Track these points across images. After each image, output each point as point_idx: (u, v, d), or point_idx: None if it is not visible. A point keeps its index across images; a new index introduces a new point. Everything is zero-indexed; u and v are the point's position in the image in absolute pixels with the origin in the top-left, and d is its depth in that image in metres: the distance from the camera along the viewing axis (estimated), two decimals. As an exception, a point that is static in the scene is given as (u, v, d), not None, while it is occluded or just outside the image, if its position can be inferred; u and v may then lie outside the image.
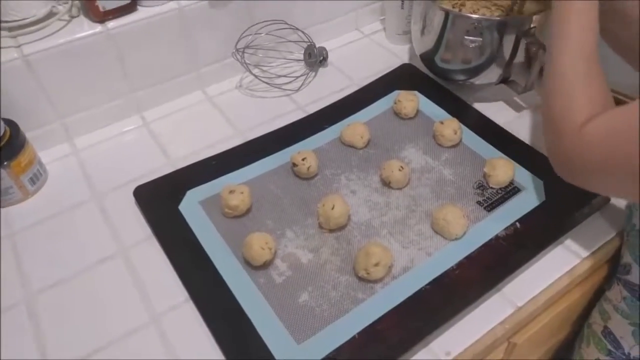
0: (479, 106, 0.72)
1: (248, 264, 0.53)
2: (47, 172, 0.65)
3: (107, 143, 0.70)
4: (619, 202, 0.58)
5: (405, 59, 0.83)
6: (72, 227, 0.59)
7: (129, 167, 0.66)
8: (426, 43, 0.71)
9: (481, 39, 0.63)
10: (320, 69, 0.81)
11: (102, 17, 0.63)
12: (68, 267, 0.55)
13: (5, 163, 0.58)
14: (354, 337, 0.47)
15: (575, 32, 0.45)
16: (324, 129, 0.69)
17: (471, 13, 0.67)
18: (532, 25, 0.64)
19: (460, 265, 0.52)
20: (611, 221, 0.57)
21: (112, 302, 0.52)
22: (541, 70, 0.69)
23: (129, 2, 0.64)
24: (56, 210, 0.61)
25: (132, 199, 0.61)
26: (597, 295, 0.63)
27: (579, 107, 0.44)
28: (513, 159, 0.61)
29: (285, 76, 0.77)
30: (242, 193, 0.57)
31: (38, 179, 0.62)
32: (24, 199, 0.61)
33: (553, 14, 0.47)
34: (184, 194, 0.60)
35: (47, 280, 0.54)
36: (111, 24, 0.64)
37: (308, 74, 0.79)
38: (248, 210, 0.58)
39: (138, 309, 0.51)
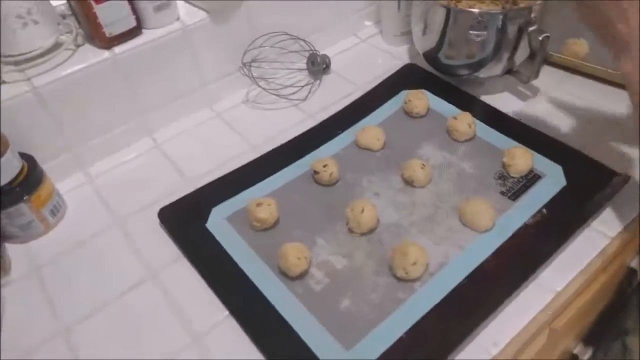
0: (485, 98, 0.73)
1: (284, 274, 0.53)
2: (66, 202, 0.64)
3: (121, 168, 0.69)
4: (636, 180, 0.59)
5: (405, 60, 0.84)
6: (98, 255, 0.59)
7: (146, 190, 0.65)
8: (429, 41, 0.72)
9: (486, 32, 0.64)
10: (324, 77, 0.82)
11: (108, 42, 0.63)
12: (100, 296, 0.54)
13: (25, 197, 0.57)
14: (401, 338, 0.47)
15: None
16: (337, 135, 0.69)
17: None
18: (533, 15, 0.65)
19: (494, 256, 0.53)
20: (634, 200, 0.58)
21: (150, 326, 0.51)
22: (545, 59, 0.70)
23: (134, 25, 0.64)
24: (79, 240, 0.60)
25: (154, 222, 0.60)
26: (629, 272, 0.64)
27: None
28: (528, 147, 0.62)
29: (291, 86, 0.77)
30: (269, 205, 0.57)
31: (58, 210, 0.62)
32: (46, 232, 0.60)
33: None
34: (209, 212, 0.60)
35: (80, 311, 0.53)
36: (117, 49, 0.64)
37: (313, 82, 0.80)
38: (276, 222, 0.58)
39: (178, 331, 0.51)
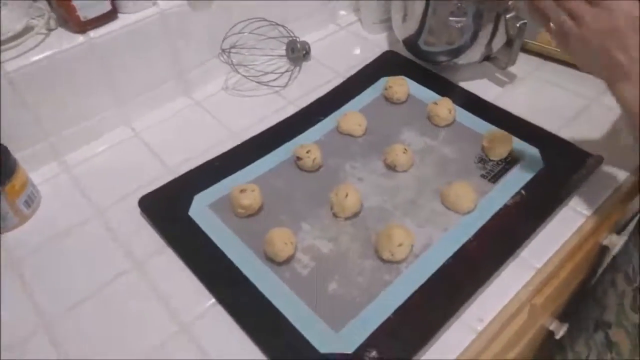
0: (464, 85, 0.74)
1: (270, 260, 0.53)
2: (40, 193, 0.62)
3: (99, 157, 0.67)
4: (612, 162, 0.61)
5: (384, 47, 0.84)
6: (77, 246, 0.57)
7: (126, 179, 0.64)
8: (409, 28, 0.73)
9: (465, 19, 0.65)
10: (304, 64, 0.81)
11: (82, 27, 0.61)
12: (82, 287, 0.53)
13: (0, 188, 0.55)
14: (389, 318, 0.48)
15: None
16: (319, 121, 0.69)
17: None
18: (510, 2, 0.66)
19: (476, 236, 0.54)
20: (607, 180, 0.60)
21: (136, 317, 0.50)
22: (521, 47, 0.72)
23: (109, 9, 0.62)
24: (56, 231, 0.58)
25: (136, 211, 0.59)
26: (601, 249, 0.66)
27: None
28: (506, 131, 0.64)
29: (271, 73, 0.77)
30: (253, 191, 0.56)
31: (33, 201, 0.60)
32: (21, 223, 0.59)
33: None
34: (191, 200, 0.59)
35: (62, 304, 0.51)
36: (92, 33, 0.62)
37: (293, 69, 0.79)
38: (260, 209, 0.58)
39: (164, 321, 0.50)
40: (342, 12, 0.91)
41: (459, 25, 0.66)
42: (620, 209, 0.66)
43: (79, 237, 0.58)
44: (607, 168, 0.61)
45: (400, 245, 0.51)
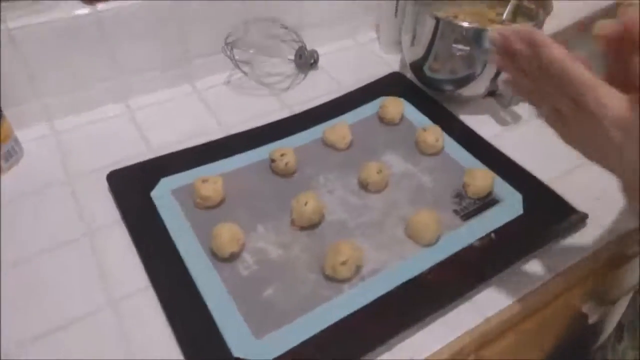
0: (465, 118, 0.71)
1: (215, 255, 0.52)
2: (23, 150, 0.64)
3: (88, 127, 0.69)
4: (596, 222, 0.57)
5: (396, 68, 0.83)
6: (41, 207, 0.58)
7: (107, 152, 0.64)
8: (416, 52, 0.71)
9: (469, 48, 0.63)
10: (310, 72, 0.81)
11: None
12: (31, 246, 0.53)
13: (-23, 136, 0.57)
14: (315, 335, 0.46)
15: None
16: (307, 128, 0.68)
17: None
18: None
19: (431, 270, 0.51)
20: (587, 240, 0.56)
21: (69, 283, 0.50)
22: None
23: (120, -14, 0.64)
24: (26, 190, 0.60)
25: (105, 184, 0.60)
26: (573, 318, 0.62)
27: None
28: (494, 171, 0.61)
29: (274, 75, 0.77)
30: (215, 183, 0.56)
31: (12, 156, 0.61)
32: (-6, 175, 0.60)
33: None
34: (157, 182, 0.59)
35: (8, 256, 0.52)
36: (101, 6, 0.64)
37: (297, 75, 0.79)
38: (221, 202, 0.57)
39: (95, 292, 0.50)
40: (363, 29, 0.90)
41: (460, 53, 0.64)
42: (602, 276, 0.61)
43: (44, 198, 0.59)
44: (592, 229, 0.57)
45: (343, 263, 0.49)
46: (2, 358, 0.45)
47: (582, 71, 0.35)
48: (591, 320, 0.66)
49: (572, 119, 0.39)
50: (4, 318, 0.47)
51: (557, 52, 0.36)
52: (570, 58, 0.36)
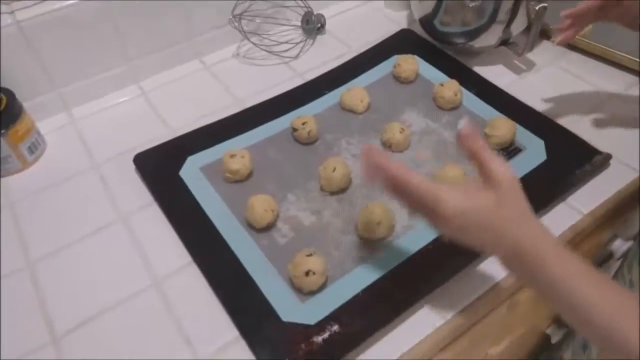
0: (479, 69, 0.71)
1: (250, 226, 0.53)
2: (46, 142, 0.64)
3: (105, 113, 0.69)
4: (620, 160, 0.58)
5: (403, 25, 0.82)
6: (71, 195, 0.59)
7: (128, 136, 0.65)
8: (426, 7, 0.70)
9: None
10: (318, 37, 0.80)
11: (96, -18, 0.62)
12: (68, 234, 0.55)
13: (2, 131, 0.57)
14: (357, 295, 0.47)
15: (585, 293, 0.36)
16: (323, 94, 0.68)
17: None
18: (532, -16, 0.63)
19: (462, 223, 0.52)
20: (612, 179, 0.57)
21: (112, 266, 0.52)
22: (541, 32, 0.68)
23: (122, -34, 0.63)
24: (55, 180, 0.60)
25: (132, 167, 0.61)
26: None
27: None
28: (514, 120, 0.61)
29: (283, 43, 0.76)
30: (242, 157, 0.57)
31: (37, 148, 0.62)
32: (23, 169, 0.61)
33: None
34: (184, 161, 0.60)
35: (47, 247, 0.54)
36: (104, -11, 0.63)
37: (306, 41, 0.78)
38: (249, 175, 0.58)
39: (139, 273, 0.51)
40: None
41: (474, 4, 0.63)
42: (628, 212, 0.62)
43: (74, 186, 0.60)
44: (615, 168, 0.58)
45: (379, 223, 0.50)
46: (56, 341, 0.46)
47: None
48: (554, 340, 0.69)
49: None
50: (51, 306, 0.49)
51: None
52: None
